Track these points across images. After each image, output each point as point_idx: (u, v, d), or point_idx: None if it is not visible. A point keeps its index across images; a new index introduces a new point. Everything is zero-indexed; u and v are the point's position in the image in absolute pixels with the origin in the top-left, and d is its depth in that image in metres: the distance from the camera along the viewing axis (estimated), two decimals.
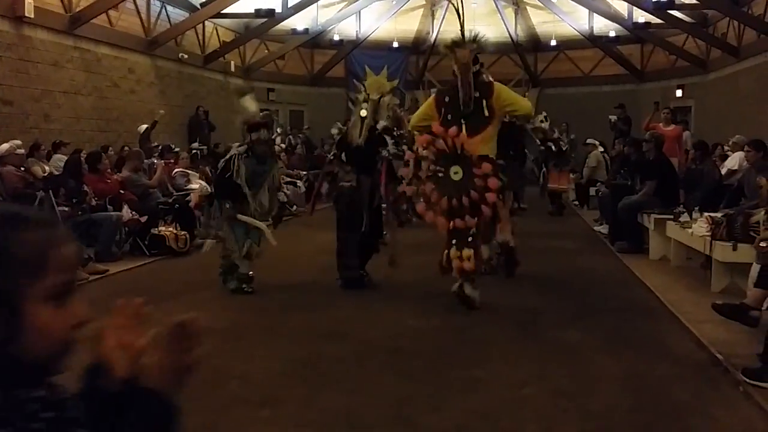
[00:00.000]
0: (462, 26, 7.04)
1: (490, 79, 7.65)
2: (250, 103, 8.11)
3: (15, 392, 1.15)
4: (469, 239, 6.73)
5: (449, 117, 6.87)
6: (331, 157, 8.34)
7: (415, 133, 7.89)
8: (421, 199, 6.99)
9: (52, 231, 1.23)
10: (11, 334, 1.15)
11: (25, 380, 1.17)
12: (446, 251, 6.83)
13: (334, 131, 9.24)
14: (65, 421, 1.17)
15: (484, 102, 6.83)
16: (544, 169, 14.95)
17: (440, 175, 6.78)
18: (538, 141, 13.47)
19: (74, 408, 1.22)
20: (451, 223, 6.72)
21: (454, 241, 6.76)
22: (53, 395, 1.20)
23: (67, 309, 1.22)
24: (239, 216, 7.60)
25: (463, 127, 6.70)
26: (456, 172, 6.70)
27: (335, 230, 7.88)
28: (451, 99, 6.97)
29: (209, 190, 11.63)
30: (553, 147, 14.94)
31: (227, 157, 7.86)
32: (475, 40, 6.99)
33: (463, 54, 6.83)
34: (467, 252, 6.70)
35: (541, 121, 14.25)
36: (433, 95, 7.46)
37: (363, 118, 7.75)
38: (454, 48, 6.92)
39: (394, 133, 8.46)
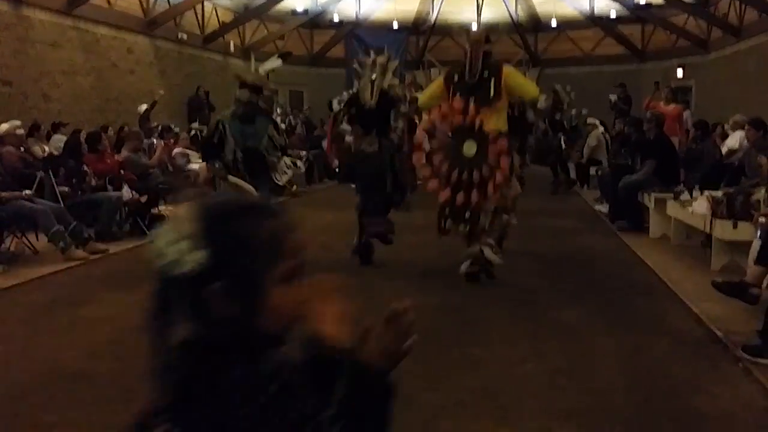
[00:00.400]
0: (479, 15, 7.37)
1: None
2: (271, 64, 8.11)
3: (254, 364, 1.27)
4: (466, 215, 6.79)
5: (458, 95, 6.89)
6: (342, 116, 8.42)
7: (423, 112, 7.95)
8: (429, 168, 6.96)
9: (285, 219, 1.37)
10: (255, 310, 1.29)
11: (262, 351, 1.29)
12: (443, 220, 6.99)
13: (335, 104, 9.36)
14: (294, 387, 1.28)
15: (493, 80, 6.88)
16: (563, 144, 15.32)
17: (452, 148, 6.81)
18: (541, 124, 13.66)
19: (300, 375, 1.32)
20: (457, 197, 6.73)
21: (449, 214, 6.88)
22: (283, 364, 1.31)
23: (296, 288, 1.37)
24: (229, 177, 7.35)
25: (471, 101, 6.73)
26: (470, 147, 6.73)
27: (358, 192, 7.95)
28: (459, 78, 7.03)
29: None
30: (565, 123, 15.32)
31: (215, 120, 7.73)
32: (489, 27, 7.17)
33: (475, 34, 7.06)
34: (463, 228, 6.87)
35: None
36: (441, 75, 7.43)
37: (373, 81, 7.79)
38: (469, 29, 7.15)
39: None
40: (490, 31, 7.18)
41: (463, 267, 7.02)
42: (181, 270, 1.28)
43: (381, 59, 7.92)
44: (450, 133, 6.85)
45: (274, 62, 8.04)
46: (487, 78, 6.89)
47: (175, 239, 1.29)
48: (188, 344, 1.29)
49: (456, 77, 7.08)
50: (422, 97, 7.81)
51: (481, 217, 6.87)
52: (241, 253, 1.28)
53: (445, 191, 6.80)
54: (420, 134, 7.33)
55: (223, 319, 1.27)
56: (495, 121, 6.81)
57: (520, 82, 7.22)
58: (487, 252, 6.91)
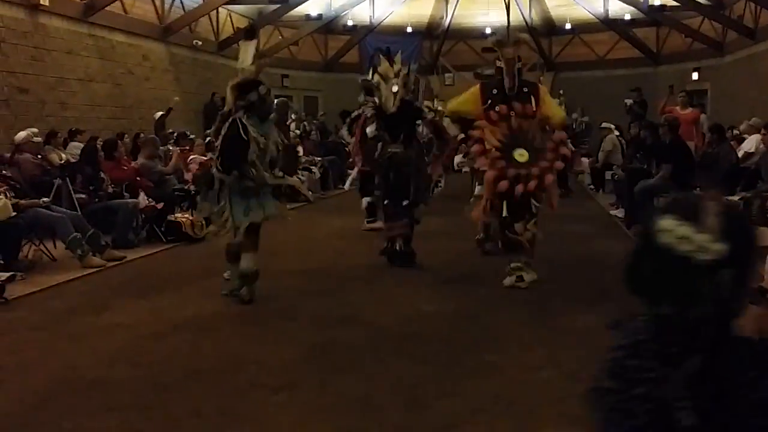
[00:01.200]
0: (508, 22, 7.56)
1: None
2: (246, 53, 6.84)
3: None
4: (527, 215, 7.03)
5: (498, 105, 7.03)
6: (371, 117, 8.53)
7: (446, 118, 8.16)
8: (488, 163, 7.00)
9: None
10: (742, 296, 1.57)
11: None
12: (499, 228, 7.33)
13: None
14: None
15: (532, 98, 7.08)
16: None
17: (503, 150, 6.91)
18: None
19: None
20: (517, 188, 6.77)
21: (508, 216, 7.04)
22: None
23: None
24: (268, 178, 6.53)
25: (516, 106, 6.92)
26: (521, 155, 6.85)
27: (383, 197, 8.14)
28: (498, 91, 7.16)
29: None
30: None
31: (228, 123, 6.53)
32: (517, 40, 7.38)
33: (508, 51, 7.15)
34: (532, 225, 7.08)
35: None
36: (478, 84, 7.59)
37: (395, 93, 7.98)
38: (501, 46, 7.25)
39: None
40: (517, 47, 7.25)
41: (507, 281, 7.07)
42: (703, 257, 1.50)
43: (404, 70, 8.14)
44: (503, 139, 6.93)
45: (249, 46, 6.86)
46: (527, 93, 7.09)
47: (699, 230, 1.51)
48: (704, 321, 1.54)
49: (494, 90, 7.19)
50: (453, 103, 7.90)
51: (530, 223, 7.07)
52: (750, 248, 1.57)
53: (503, 182, 6.79)
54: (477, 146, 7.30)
55: (722, 300, 1.52)
56: (545, 122, 7.04)
57: (553, 104, 7.49)
58: (527, 275, 7.05)
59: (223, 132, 6.50)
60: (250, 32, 7.01)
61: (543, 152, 6.88)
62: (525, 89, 7.14)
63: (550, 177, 6.88)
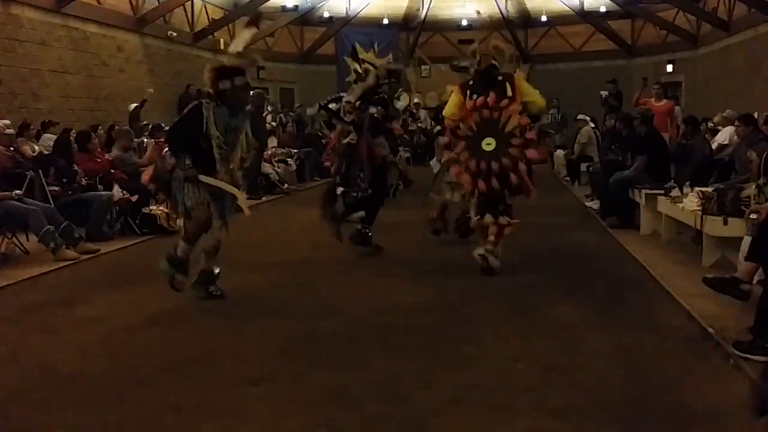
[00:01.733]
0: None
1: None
2: (240, 39, 6.44)
3: None
4: (500, 207, 7.20)
5: (475, 96, 7.18)
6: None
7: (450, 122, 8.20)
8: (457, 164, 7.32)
9: None
10: None
11: None
12: (476, 217, 7.42)
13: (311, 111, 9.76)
14: None
15: (507, 84, 7.18)
16: None
17: (472, 139, 7.16)
18: None
19: None
20: (479, 185, 7.10)
21: (483, 207, 7.27)
22: None
23: None
24: (202, 177, 6.10)
25: (490, 96, 7.07)
26: (489, 144, 7.05)
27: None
28: (474, 82, 7.33)
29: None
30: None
31: (191, 105, 6.30)
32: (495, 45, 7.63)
33: (484, 46, 7.50)
34: (503, 218, 7.20)
35: None
36: (457, 86, 7.63)
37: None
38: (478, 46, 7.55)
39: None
40: (496, 51, 7.47)
41: (478, 252, 7.28)
42: None
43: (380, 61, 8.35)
44: (474, 128, 7.14)
45: (247, 33, 6.51)
46: (502, 81, 7.20)
47: None
48: None
49: (471, 82, 7.36)
50: (447, 110, 7.87)
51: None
52: None
53: (467, 178, 7.16)
54: (444, 138, 7.80)
55: None
56: (515, 119, 7.07)
57: (531, 90, 7.41)
58: (492, 260, 7.20)
59: (183, 114, 6.31)
60: (253, 20, 6.81)
61: (509, 139, 7.01)
62: (500, 78, 7.22)
63: (522, 166, 7.04)
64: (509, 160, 6.98)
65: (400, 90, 10.16)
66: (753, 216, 5.64)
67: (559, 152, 18.52)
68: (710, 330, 5.20)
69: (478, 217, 7.39)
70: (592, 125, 16.10)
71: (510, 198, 7.26)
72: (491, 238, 7.25)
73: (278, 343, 5.17)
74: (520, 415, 3.88)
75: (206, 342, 5.19)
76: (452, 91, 7.68)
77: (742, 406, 3.76)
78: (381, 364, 4.70)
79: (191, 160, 6.06)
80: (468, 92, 7.29)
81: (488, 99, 7.04)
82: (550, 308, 6.01)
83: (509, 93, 7.12)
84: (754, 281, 5.35)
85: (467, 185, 7.29)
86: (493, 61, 7.30)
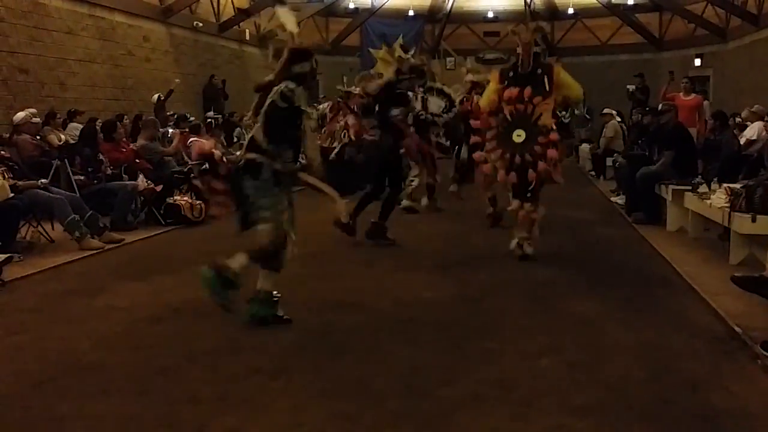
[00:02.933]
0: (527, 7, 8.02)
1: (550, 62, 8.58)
2: (287, 19, 5.64)
3: None
4: (528, 194, 7.44)
5: (512, 86, 7.46)
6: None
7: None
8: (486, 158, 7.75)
9: None
10: None
11: None
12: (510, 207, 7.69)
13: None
14: None
15: (546, 78, 7.40)
16: None
17: (505, 129, 7.47)
18: None
19: None
20: (512, 177, 7.42)
21: (514, 196, 7.56)
22: None
23: None
24: (302, 175, 5.55)
25: (527, 90, 7.35)
26: (519, 135, 7.36)
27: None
28: (514, 73, 7.53)
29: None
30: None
31: (280, 90, 5.27)
32: (536, 27, 8.04)
33: (526, 35, 7.53)
34: (528, 206, 7.46)
35: None
36: (496, 72, 7.89)
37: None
38: (518, 30, 7.69)
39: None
40: (536, 32, 7.86)
41: (513, 245, 7.67)
42: None
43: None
44: (509, 118, 7.44)
45: (286, 14, 5.69)
46: (541, 74, 7.42)
47: None
48: None
49: (510, 73, 7.57)
50: (483, 99, 8.09)
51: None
52: None
53: (503, 173, 7.50)
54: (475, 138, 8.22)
55: None
56: (545, 117, 7.34)
57: (570, 81, 7.63)
58: (528, 249, 7.59)
59: (270, 100, 5.30)
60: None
61: (537, 135, 7.30)
62: (539, 70, 7.44)
63: (552, 152, 7.30)
64: (536, 152, 7.24)
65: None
66: None
67: (585, 146, 18.39)
68: (737, 329, 5.12)
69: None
70: (619, 119, 15.96)
71: (538, 186, 7.46)
72: (524, 227, 7.56)
73: (299, 335, 5.16)
74: (543, 412, 3.84)
75: (228, 333, 5.18)
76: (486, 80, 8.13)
77: None
78: (403, 357, 4.67)
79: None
80: (506, 82, 7.51)
81: (524, 92, 7.28)
82: (575, 304, 5.95)
83: (547, 87, 7.33)
84: None
85: (500, 178, 7.57)
86: (535, 48, 7.56)
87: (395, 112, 8.40)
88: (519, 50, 7.51)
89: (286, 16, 5.68)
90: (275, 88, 5.30)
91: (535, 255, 7.53)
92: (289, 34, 5.55)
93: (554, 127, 7.37)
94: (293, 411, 3.86)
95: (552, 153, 7.28)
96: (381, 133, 8.37)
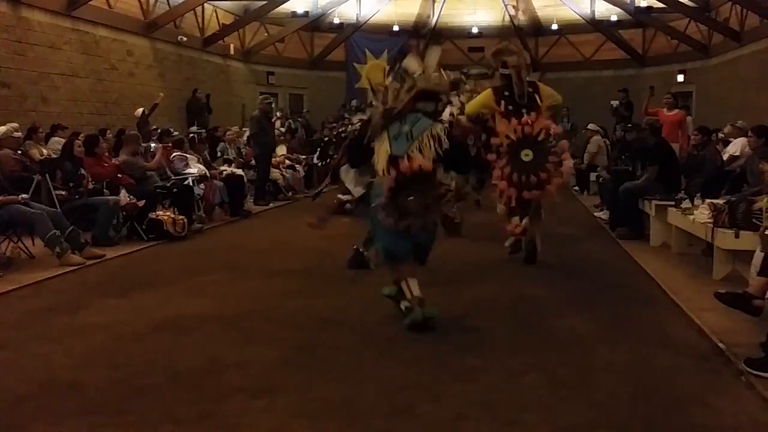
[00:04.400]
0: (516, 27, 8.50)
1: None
2: (432, 58, 6.30)
3: None
4: (528, 211, 7.99)
5: (510, 107, 7.97)
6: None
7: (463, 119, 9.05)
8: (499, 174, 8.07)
9: None
10: None
11: None
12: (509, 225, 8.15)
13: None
14: None
15: (536, 96, 8.04)
16: None
17: (513, 149, 7.88)
18: None
19: None
20: (520, 194, 7.87)
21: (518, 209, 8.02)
22: None
23: None
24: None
25: (528, 115, 7.89)
26: (527, 155, 7.83)
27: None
28: (510, 93, 8.03)
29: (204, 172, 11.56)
30: None
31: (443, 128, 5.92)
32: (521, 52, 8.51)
33: (517, 60, 8.07)
34: (525, 221, 7.98)
35: None
36: (490, 89, 8.42)
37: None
38: (506, 54, 8.16)
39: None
40: (525, 58, 8.43)
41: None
42: None
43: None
44: (515, 142, 7.84)
45: (432, 53, 6.39)
46: (532, 93, 8.03)
47: None
48: None
49: (505, 92, 8.06)
50: (470, 106, 8.67)
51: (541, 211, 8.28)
52: None
53: (512, 191, 7.93)
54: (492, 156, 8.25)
55: None
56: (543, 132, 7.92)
57: (551, 92, 8.27)
58: (538, 241, 8.29)
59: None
60: (436, 38, 7.23)
61: (547, 152, 7.87)
62: (530, 90, 8.01)
63: (558, 181, 7.93)
64: (545, 172, 7.81)
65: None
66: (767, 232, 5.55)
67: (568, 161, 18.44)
68: (721, 345, 5.12)
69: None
70: (602, 135, 16.02)
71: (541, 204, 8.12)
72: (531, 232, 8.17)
73: (283, 353, 5.11)
74: (528, 431, 3.81)
75: (210, 351, 5.13)
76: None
77: (753, 424, 3.68)
78: (387, 375, 4.63)
79: None
80: (503, 102, 7.98)
81: (529, 119, 7.79)
82: (559, 321, 5.94)
83: (539, 102, 7.92)
84: (767, 297, 5.27)
85: (509, 196, 7.99)
86: (528, 78, 8.10)
87: None
88: (509, 72, 8.01)
89: (431, 54, 6.32)
90: (440, 125, 5.90)
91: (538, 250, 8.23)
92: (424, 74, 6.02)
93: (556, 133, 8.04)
94: (276, 431, 3.81)
95: (562, 172, 7.92)
96: None
